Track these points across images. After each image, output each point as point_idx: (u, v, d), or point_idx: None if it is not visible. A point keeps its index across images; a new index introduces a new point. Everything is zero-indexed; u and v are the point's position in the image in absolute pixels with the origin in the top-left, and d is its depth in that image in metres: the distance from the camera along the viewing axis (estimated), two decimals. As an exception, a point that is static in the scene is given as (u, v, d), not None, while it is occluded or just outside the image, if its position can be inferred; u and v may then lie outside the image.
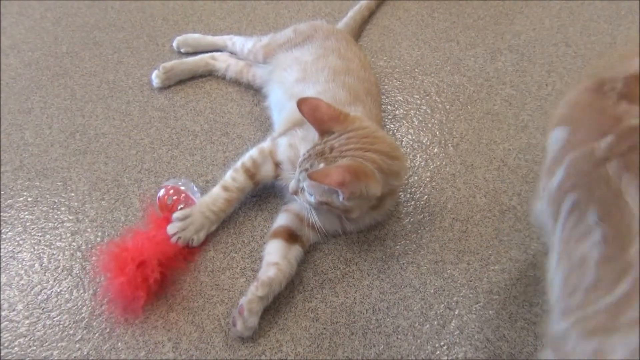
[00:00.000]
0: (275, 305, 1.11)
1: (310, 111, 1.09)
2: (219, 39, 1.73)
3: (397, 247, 1.22)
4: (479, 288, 1.14)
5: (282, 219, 1.22)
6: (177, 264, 1.14)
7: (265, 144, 1.27)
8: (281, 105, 1.39)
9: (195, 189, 1.26)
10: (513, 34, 1.82)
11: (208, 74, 1.66)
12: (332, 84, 1.34)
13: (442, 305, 1.12)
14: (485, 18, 1.88)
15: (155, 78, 1.61)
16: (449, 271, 1.17)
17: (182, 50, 1.74)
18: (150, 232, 1.14)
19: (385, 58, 1.73)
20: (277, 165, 1.24)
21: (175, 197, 1.21)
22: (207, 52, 1.69)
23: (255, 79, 1.59)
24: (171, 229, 1.16)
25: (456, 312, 1.10)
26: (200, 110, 1.56)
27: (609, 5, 1.92)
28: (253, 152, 1.27)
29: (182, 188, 1.23)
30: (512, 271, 1.17)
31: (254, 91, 1.60)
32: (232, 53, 1.68)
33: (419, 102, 1.58)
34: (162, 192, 1.22)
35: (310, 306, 1.12)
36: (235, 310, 1.06)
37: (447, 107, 1.56)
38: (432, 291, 1.14)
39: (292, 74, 1.40)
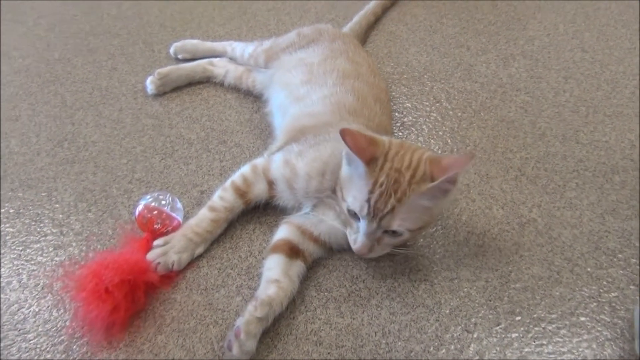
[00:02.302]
0: (275, 327, 1.00)
1: (353, 140, 0.93)
2: (218, 45, 1.65)
3: (408, 263, 1.11)
4: (500, 308, 1.04)
5: (282, 232, 1.11)
6: (155, 284, 1.04)
7: (259, 161, 1.18)
8: (284, 109, 1.30)
9: (179, 205, 1.16)
10: (526, 39, 1.73)
11: (206, 81, 1.58)
12: (340, 87, 1.25)
13: (459, 327, 1.01)
14: (496, 23, 1.80)
15: (150, 84, 1.53)
16: (465, 289, 1.07)
17: (179, 56, 1.66)
18: (124, 253, 1.04)
19: (392, 64, 1.64)
20: (270, 184, 1.14)
21: (153, 213, 1.11)
22: (205, 58, 1.61)
23: (255, 84, 1.51)
24: (150, 256, 1.06)
25: (475, 335, 1.00)
26: (197, 117, 1.47)
27: (625, 9, 1.84)
28: (245, 170, 1.17)
29: (163, 203, 1.13)
30: (535, 289, 1.06)
31: (254, 98, 1.52)
32: (232, 59, 1.60)
33: (428, 109, 1.48)
34: (140, 208, 1.12)
35: (313, 328, 1.01)
36: (231, 332, 0.96)
37: (459, 114, 1.47)
38: (447, 312, 1.03)
39: (297, 76, 1.32)
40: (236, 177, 1.17)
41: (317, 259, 1.11)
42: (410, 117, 1.46)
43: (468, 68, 1.62)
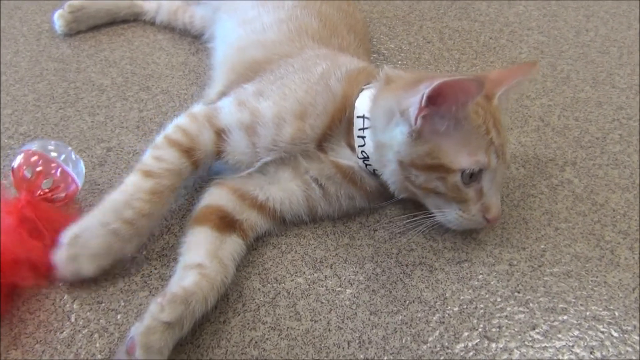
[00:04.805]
0: (195, 336, 0.66)
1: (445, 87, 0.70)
2: (153, -21, 1.30)
3: (396, 240, 0.78)
4: (534, 304, 0.70)
5: (212, 196, 0.77)
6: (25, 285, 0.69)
7: (197, 109, 0.83)
8: (230, 40, 1.00)
9: (81, 166, 0.80)
10: (533, -24, 1.42)
11: (132, 19, 1.26)
12: (301, 10, 0.97)
13: (476, 332, 0.67)
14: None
15: (58, 19, 1.19)
16: (480, 276, 0.73)
17: (103, -7, 1.31)
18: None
19: (369, 2, 1.32)
20: (219, 134, 0.78)
21: (39, 169, 0.75)
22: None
23: (193, 20, 1.19)
24: (56, 258, 0.68)
25: (500, 345, 0.66)
26: (115, 60, 1.12)
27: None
28: (180, 121, 0.80)
29: (54, 155, 0.77)
30: (582, 275, 0.73)
31: (192, 39, 1.18)
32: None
33: (417, 50, 1.16)
34: (19, 159, 0.76)
35: (254, 337, 0.67)
36: (123, 346, 0.61)
37: (457, 55, 1.15)
38: (456, 310, 0.69)
39: None
40: (170, 130, 0.79)
41: (263, 235, 0.77)
42: (394, 60, 1.14)
43: (464, 6, 1.31)
